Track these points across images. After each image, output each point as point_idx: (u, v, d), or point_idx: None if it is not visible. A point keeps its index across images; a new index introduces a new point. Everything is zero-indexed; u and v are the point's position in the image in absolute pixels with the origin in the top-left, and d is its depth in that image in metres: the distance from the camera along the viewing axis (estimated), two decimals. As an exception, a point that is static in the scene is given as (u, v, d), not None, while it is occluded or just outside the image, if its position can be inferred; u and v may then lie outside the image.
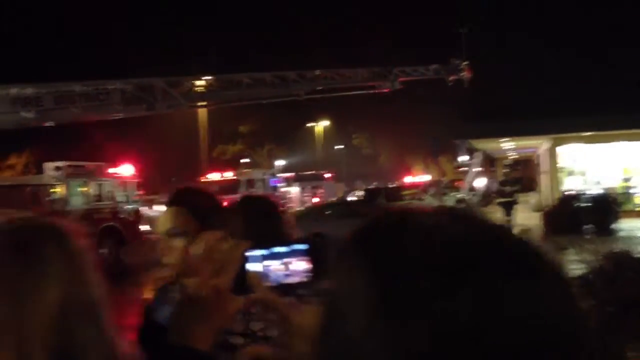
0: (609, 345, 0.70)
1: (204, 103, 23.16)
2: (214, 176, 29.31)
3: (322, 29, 42.05)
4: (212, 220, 1.72)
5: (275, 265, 0.92)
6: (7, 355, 0.75)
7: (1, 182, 22.24)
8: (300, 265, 0.94)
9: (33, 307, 0.77)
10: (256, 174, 30.39)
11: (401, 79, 20.07)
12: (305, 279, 0.94)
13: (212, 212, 1.80)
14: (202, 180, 29.31)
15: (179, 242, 1.80)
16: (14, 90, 17.55)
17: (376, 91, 20.57)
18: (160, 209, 28.95)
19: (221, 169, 32.90)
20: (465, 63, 19.72)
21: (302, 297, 1.15)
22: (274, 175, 31.74)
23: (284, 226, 1.85)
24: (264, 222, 1.77)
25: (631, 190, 22.92)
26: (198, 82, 21.11)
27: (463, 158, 26.11)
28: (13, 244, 0.81)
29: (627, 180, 23.10)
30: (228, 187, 27.88)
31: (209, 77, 21.43)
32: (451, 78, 19.90)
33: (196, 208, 1.85)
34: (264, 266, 0.92)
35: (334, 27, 42.57)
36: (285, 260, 0.92)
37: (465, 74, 19.85)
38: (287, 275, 0.93)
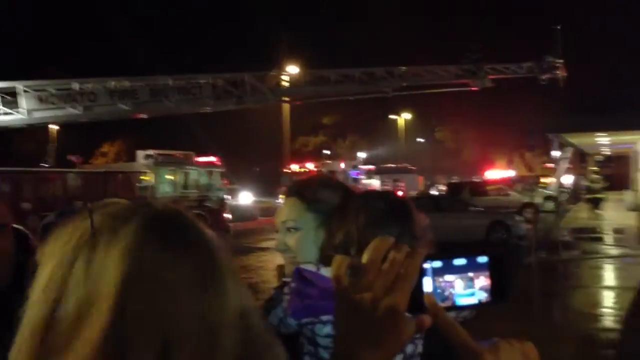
0: None
1: (290, 98, 23.40)
2: (295, 167, 29.59)
3: (412, 24, 41.41)
4: (333, 220, 1.53)
5: (454, 282, 0.75)
6: None
7: (94, 169, 23.38)
8: (483, 281, 0.76)
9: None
10: (337, 165, 30.42)
11: (491, 77, 19.38)
12: (487, 300, 0.76)
13: (335, 209, 1.57)
14: (285, 171, 29.68)
15: (291, 237, 1.69)
16: (111, 83, 18.38)
17: (465, 89, 20.02)
18: (246, 198, 29.61)
19: (303, 160, 33.19)
20: (559, 61, 18.78)
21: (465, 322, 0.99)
22: (355, 167, 31.67)
23: (418, 229, 1.52)
24: (396, 224, 1.47)
25: None
26: (286, 78, 21.33)
27: (555, 153, 25.05)
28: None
29: None
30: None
31: (297, 73, 21.61)
32: (545, 77, 19.00)
33: (316, 202, 1.69)
34: (440, 281, 0.74)
35: (425, 22, 41.85)
36: (466, 274, 0.75)
37: (560, 73, 18.91)
38: (470, 295, 0.75)
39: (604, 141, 29.57)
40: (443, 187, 31.31)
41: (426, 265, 0.72)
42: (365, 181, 33.31)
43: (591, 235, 18.54)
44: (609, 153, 43.62)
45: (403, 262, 0.70)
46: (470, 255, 0.75)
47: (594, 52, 33.58)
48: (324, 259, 1.47)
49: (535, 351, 0.75)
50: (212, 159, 21.10)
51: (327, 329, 1.38)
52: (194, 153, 20.64)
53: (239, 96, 19.03)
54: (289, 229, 1.70)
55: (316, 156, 40.52)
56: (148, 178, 18.40)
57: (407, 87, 20.73)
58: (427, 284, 0.73)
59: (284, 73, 21.67)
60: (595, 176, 31.85)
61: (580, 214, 25.33)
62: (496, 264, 0.77)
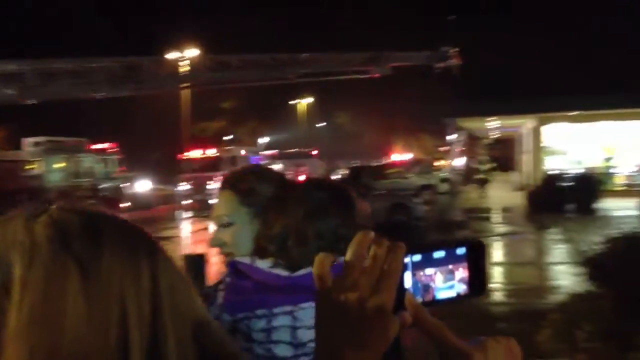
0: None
1: (189, 84, 22.81)
2: (195, 153, 28.94)
3: (313, 12, 41.36)
4: (270, 211, 1.46)
5: (434, 275, 0.71)
6: None
7: None
8: (462, 273, 0.73)
9: None
10: (239, 151, 30.07)
11: (391, 65, 19.86)
12: (466, 293, 0.73)
13: (271, 200, 1.51)
14: (182, 157, 28.97)
15: (226, 233, 1.62)
16: (-5, 67, 17.13)
17: (366, 76, 20.40)
18: (144, 185, 28.70)
19: (203, 146, 32.56)
20: (453, 50, 19.55)
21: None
22: (257, 152, 31.46)
23: (359, 217, 1.45)
24: (338, 214, 1.41)
25: (612, 170, 23.14)
26: (185, 63, 20.77)
27: (450, 137, 26.19)
28: None
29: (608, 160, 23.30)
30: (209, 164, 27.61)
31: (197, 58, 21.05)
32: (440, 65, 19.74)
33: (250, 195, 1.62)
34: (420, 275, 0.70)
35: (326, 10, 41.94)
36: (446, 267, 0.72)
37: (454, 61, 19.71)
38: (450, 288, 0.72)
39: (493, 125, 31.22)
40: (345, 171, 31.84)
41: (406, 260, 0.68)
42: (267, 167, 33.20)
43: (481, 215, 19.56)
44: (497, 136, 46.18)
45: (385, 257, 0.66)
46: (450, 247, 0.72)
47: (486, 41, 35.23)
48: (259, 251, 1.42)
49: (518, 347, 0.74)
50: (108, 146, 20.26)
51: (262, 324, 1.33)
52: (88, 140, 19.71)
53: (137, 81, 18.31)
54: (222, 225, 1.64)
55: (216, 142, 39.90)
56: (36, 167, 17.37)
57: (310, 74, 20.80)
58: (407, 279, 0.69)
59: (183, 58, 21.07)
60: (483, 158, 33.69)
61: (471, 194, 26.64)
62: (474, 255, 0.74)
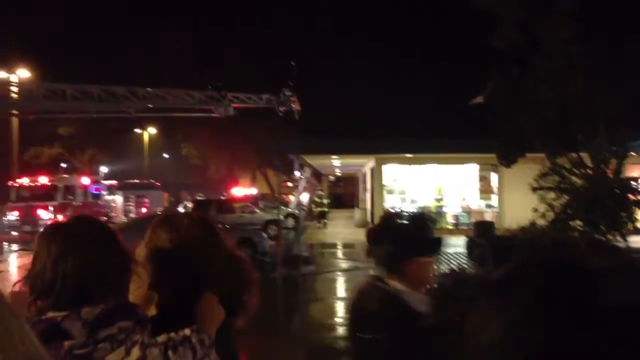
0: None
1: (19, 112, 21.07)
2: (25, 181, 26.74)
3: (155, 47, 40.47)
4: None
5: None
6: None
7: None
8: None
9: None
10: (75, 179, 28.26)
11: (234, 105, 20.01)
12: None
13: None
14: (10, 185, 26.64)
15: None
16: None
17: (208, 114, 20.32)
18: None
19: (34, 173, 30.17)
20: (293, 96, 20.16)
21: None
22: (96, 182, 29.78)
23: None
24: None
25: (443, 209, 25.08)
26: (14, 88, 19.24)
27: (296, 173, 26.79)
28: None
29: (439, 200, 25.25)
30: (43, 193, 25.67)
31: (29, 84, 19.62)
32: (282, 108, 20.24)
33: None
34: None
35: (171, 46, 41.19)
36: None
37: (295, 106, 20.31)
38: None
39: (337, 163, 32.55)
40: (190, 204, 31.17)
41: None
42: (107, 197, 31.57)
43: (326, 250, 20.15)
44: (339, 174, 48.14)
45: None
46: None
47: (329, 84, 36.96)
48: None
49: None
50: None
51: None
52: None
53: None
54: None
55: (51, 169, 37.20)
56: None
57: (151, 109, 20.28)
58: None
59: (13, 83, 19.52)
60: (320, 192, 34.98)
61: (316, 230, 27.38)
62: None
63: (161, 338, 1.47)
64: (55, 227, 1.56)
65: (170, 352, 1.44)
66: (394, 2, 41.53)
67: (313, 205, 32.29)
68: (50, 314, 1.40)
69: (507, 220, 21.34)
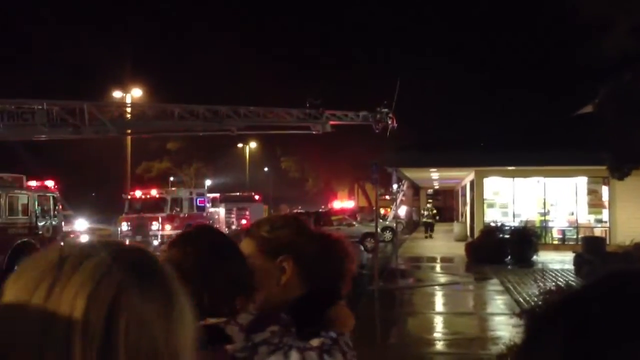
0: None
1: (132, 131, 22.44)
2: (137, 194, 28.37)
3: (253, 65, 41.78)
4: None
5: None
6: None
7: None
8: None
9: None
10: (183, 192, 29.66)
11: (332, 123, 20.33)
12: None
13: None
14: (124, 197, 28.36)
15: None
16: None
17: (307, 132, 20.76)
18: (81, 224, 27.81)
19: (146, 186, 31.95)
20: (389, 112, 20.15)
21: None
22: (201, 194, 31.09)
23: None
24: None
25: (549, 224, 24.02)
26: (128, 109, 20.54)
27: (394, 186, 26.72)
28: None
29: (544, 214, 24.19)
30: (153, 205, 27.10)
31: (141, 105, 20.84)
32: (378, 126, 20.31)
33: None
34: None
35: (269, 64, 42.41)
36: None
37: (391, 124, 20.30)
38: None
39: (435, 176, 32.09)
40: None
41: None
42: (211, 209, 32.83)
43: (424, 264, 19.86)
44: (437, 187, 47.33)
45: None
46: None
47: (429, 97, 36.54)
48: None
49: None
50: (47, 183, 19.62)
51: None
52: (26, 176, 19.02)
53: (77, 125, 17.88)
54: None
55: (160, 182, 39.26)
56: None
57: (252, 127, 20.99)
58: None
59: (127, 105, 20.83)
60: (429, 205, 34.86)
61: (413, 243, 27.07)
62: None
63: (315, 342, 1.52)
64: (187, 235, 1.64)
65: (325, 355, 1.49)
66: (494, 16, 40.52)
67: (421, 217, 32.50)
68: (210, 320, 1.47)
69: (618, 236, 20.10)
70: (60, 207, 19.99)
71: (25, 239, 16.97)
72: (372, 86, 31.50)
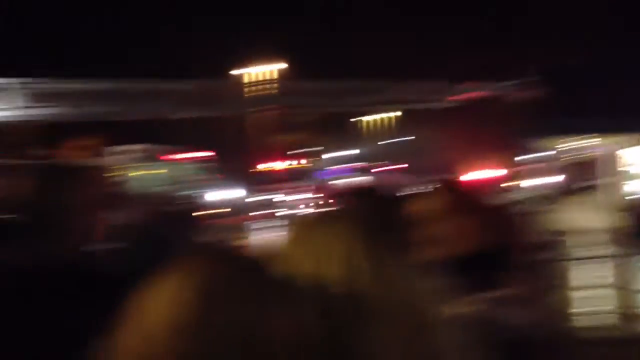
0: None
1: (269, 108, 23.14)
2: (269, 165, 29.06)
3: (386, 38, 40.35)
4: None
5: None
6: None
7: (63, 162, 22.52)
8: None
9: None
10: (311, 164, 29.82)
11: (467, 95, 19.75)
12: None
13: None
14: (256, 170, 28.93)
15: None
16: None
17: (441, 105, 20.35)
18: (238, 193, 28.74)
19: (281, 158, 32.51)
20: (529, 83, 19.24)
21: None
22: (342, 164, 31.33)
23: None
24: None
25: None
26: (272, 85, 21.11)
27: (538, 155, 25.51)
28: None
29: None
30: (285, 177, 27.64)
31: (277, 81, 21.25)
32: (519, 96, 19.53)
33: None
34: None
35: (402, 37, 40.64)
36: None
37: (531, 93, 19.44)
38: None
39: (578, 145, 30.10)
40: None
41: None
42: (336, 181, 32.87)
43: (564, 237, 18.81)
44: (584, 156, 44.05)
45: None
46: None
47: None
48: None
49: None
50: (201, 153, 20.50)
51: None
52: (183, 147, 19.99)
53: (221, 104, 18.54)
54: None
55: (294, 154, 40.06)
56: (122, 173, 17.87)
57: (384, 100, 20.34)
58: None
59: (272, 81, 21.28)
60: (583, 175, 32.37)
61: (553, 215, 25.71)
62: None
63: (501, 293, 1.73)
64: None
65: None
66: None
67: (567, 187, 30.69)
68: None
69: None
70: (220, 176, 20.77)
71: (190, 207, 18.02)
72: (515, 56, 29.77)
